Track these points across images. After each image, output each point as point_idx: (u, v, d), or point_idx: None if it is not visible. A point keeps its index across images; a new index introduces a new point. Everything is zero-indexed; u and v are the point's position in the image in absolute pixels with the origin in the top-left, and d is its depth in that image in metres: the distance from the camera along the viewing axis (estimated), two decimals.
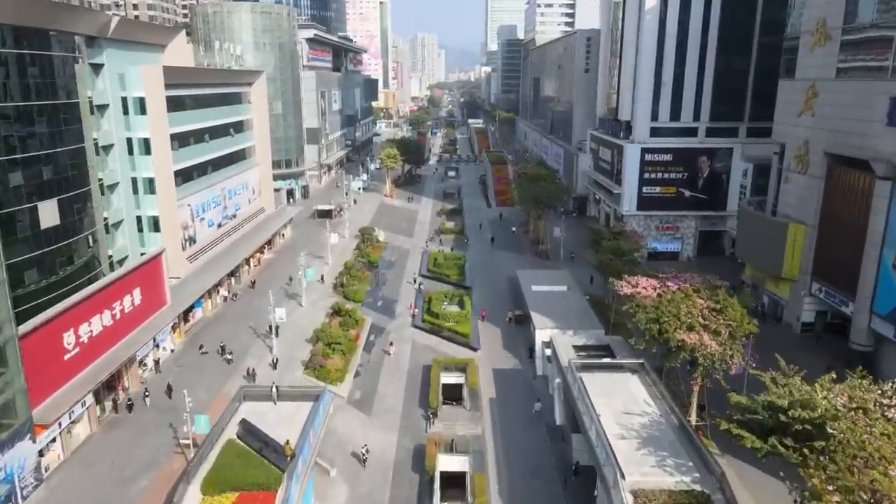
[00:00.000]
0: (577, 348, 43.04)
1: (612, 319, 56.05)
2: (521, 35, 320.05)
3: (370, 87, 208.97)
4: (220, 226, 67.04)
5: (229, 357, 49.36)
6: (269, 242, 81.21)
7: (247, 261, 71.98)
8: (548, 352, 48.18)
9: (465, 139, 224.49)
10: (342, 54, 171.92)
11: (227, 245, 66.83)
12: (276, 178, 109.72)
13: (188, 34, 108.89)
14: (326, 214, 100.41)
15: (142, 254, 52.58)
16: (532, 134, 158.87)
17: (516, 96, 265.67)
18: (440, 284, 70.90)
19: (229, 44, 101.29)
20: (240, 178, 73.53)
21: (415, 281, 72.58)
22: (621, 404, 34.20)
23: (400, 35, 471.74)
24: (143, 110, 51.53)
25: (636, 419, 32.62)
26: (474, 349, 53.92)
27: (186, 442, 36.58)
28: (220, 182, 67.23)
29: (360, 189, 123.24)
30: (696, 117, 77.16)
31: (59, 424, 36.39)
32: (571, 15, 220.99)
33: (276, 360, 48.85)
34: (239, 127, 74.18)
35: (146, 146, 52.30)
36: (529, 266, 77.56)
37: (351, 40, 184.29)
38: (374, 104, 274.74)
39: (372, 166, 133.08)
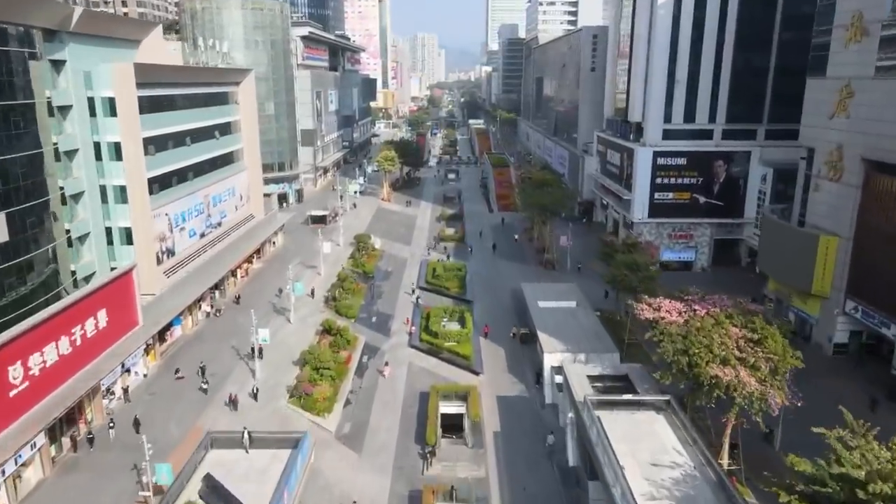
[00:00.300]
0: (592, 378, 38.39)
1: (627, 339, 51.46)
2: (522, 34, 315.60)
3: (368, 86, 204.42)
4: (202, 235, 62.39)
5: (204, 386, 44.66)
6: (259, 251, 76.62)
7: (233, 272, 67.38)
8: (558, 378, 43.57)
9: (465, 140, 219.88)
10: (339, 53, 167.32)
11: (211, 256, 62.19)
12: (268, 181, 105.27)
13: (176, 31, 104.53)
14: (320, 220, 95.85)
15: (112, 269, 47.95)
16: (534, 135, 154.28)
17: (518, 96, 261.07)
18: (439, 297, 66.32)
19: (217, 41, 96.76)
20: (226, 184, 68.92)
21: (412, 292, 68.12)
22: (647, 453, 29.60)
23: (400, 35, 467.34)
24: (112, 112, 46.90)
25: (666, 472, 28.03)
26: (476, 373, 49.28)
27: (147, 494, 31.93)
28: (203, 188, 62.60)
29: (356, 193, 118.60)
30: (712, 118, 72.50)
31: (3, 472, 31.80)
32: (574, 13, 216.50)
33: (257, 389, 44.15)
34: (225, 129, 69.58)
35: (116, 151, 47.66)
36: (534, 277, 72.94)
37: (348, 39, 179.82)
38: (372, 104, 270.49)
39: (369, 169, 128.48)
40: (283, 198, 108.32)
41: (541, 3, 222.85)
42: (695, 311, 36.47)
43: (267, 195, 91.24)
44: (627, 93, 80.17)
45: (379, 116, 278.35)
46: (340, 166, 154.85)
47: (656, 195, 73.88)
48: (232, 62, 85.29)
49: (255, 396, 43.62)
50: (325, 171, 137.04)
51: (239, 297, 62.98)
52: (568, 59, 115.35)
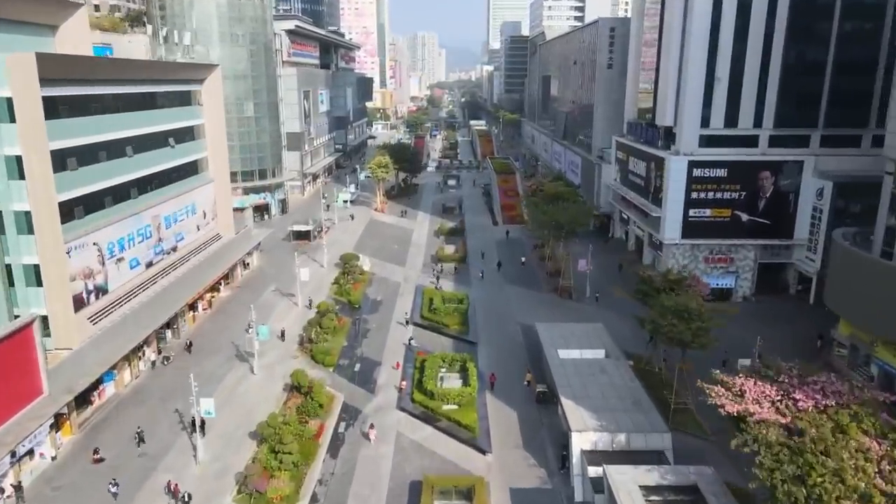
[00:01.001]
0: (648, 490, 27.59)
1: (673, 404, 40.72)
2: (525, 32, 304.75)
3: (364, 86, 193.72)
4: (149, 265, 51.58)
5: (112, 490, 33.71)
6: (228, 276, 65.88)
7: (192, 305, 56.69)
8: (592, 471, 32.86)
9: (466, 142, 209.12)
10: (332, 50, 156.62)
11: (161, 289, 51.39)
12: (247, 191, 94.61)
13: (145, 23, 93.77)
14: (303, 236, 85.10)
15: (16, 316, 37.19)
16: (541, 138, 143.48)
17: (521, 96, 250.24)
18: (437, 337, 55.57)
19: (188, 34, 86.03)
20: (183, 200, 58.13)
21: (406, 322, 57.69)
22: None
23: (399, 34, 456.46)
24: (10, 116, 36.16)
25: None
26: (483, 451, 38.47)
27: None
28: (152, 208, 51.83)
29: (346, 203, 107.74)
30: (758, 123, 61.68)
31: None
32: (581, 9, 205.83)
33: (188, 497, 33.12)
34: (184, 135, 58.81)
35: (17, 167, 36.89)
36: (548, 308, 62.22)
37: (342, 35, 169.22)
38: (369, 105, 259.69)
39: (362, 176, 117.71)
40: (264, 209, 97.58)
41: None
42: (794, 400, 25.68)
43: (239, 209, 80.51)
44: (655, 93, 69.40)
45: (376, 117, 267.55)
46: (332, 172, 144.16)
47: (691, 212, 63.08)
48: (196, 57, 74.47)
49: (185, 500, 32.70)
50: (315, 177, 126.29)
51: (190, 343, 51.84)
52: (580, 55, 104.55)
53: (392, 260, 79.08)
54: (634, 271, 61.59)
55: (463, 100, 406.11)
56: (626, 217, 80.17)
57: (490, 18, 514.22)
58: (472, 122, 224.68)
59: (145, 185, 51.21)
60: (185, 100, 59.86)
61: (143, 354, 47.71)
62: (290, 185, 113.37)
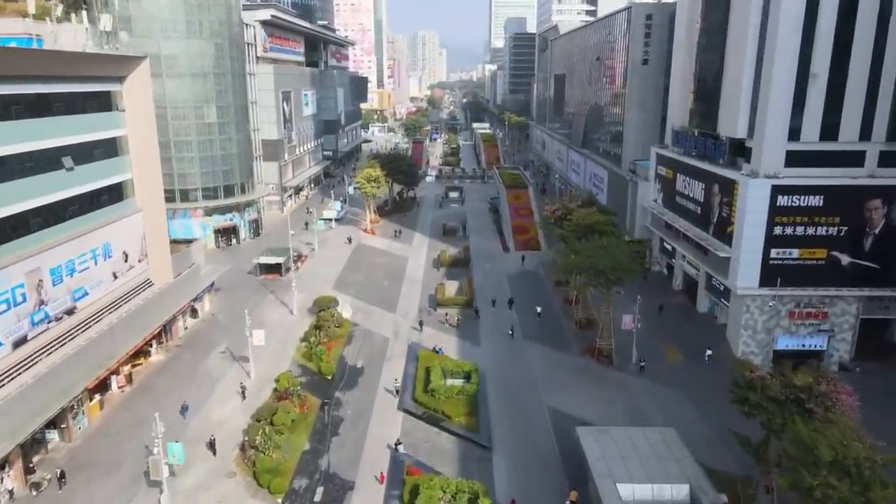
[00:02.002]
0: None
1: None
2: (531, 29, 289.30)
3: (358, 86, 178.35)
4: (20, 342, 36.05)
5: None
6: (162, 335, 50.42)
7: (102, 384, 41.27)
8: None
9: (468, 146, 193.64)
10: (320, 46, 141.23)
11: (43, 373, 35.88)
12: (209, 212, 79.12)
13: (85, 7, 78.11)
14: (273, 270, 69.61)
15: None
16: (554, 145, 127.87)
17: (526, 97, 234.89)
18: (435, 434, 40.09)
19: (132, 22, 70.69)
20: (89, 241, 42.64)
21: (397, 391, 42.49)
22: None
23: (398, 33, 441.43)
24: None
25: None
26: None
27: None
28: (24, 260, 36.32)
29: (330, 222, 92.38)
30: (866, 135, 46.24)
31: None
32: (594, 1, 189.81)
33: None
34: (91, 152, 43.34)
35: None
36: (582, 379, 46.87)
37: (333, 29, 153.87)
38: (364, 106, 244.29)
39: (350, 189, 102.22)
40: (231, 232, 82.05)
41: None
42: None
43: (182, 242, 64.98)
44: (716, 94, 53.84)
45: (373, 119, 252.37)
46: (320, 182, 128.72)
47: (773, 252, 47.58)
48: (120, 46, 58.62)
49: None
50: (298, 190, 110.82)
51: (62, 475, 35.29)
52: (605, 50, 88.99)
53: (380, 302, 63.43)
54: (679, 315, 45.64)
55: (464, 100, 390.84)
56: (669, 248, 64.60)
57: (492, 16, 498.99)
58: (476, 126, 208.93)
59: (17, 226, 35.74)
60: (96, 104, 44.38)
61: (1, 481, 32.27)
62: (267, 200, 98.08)
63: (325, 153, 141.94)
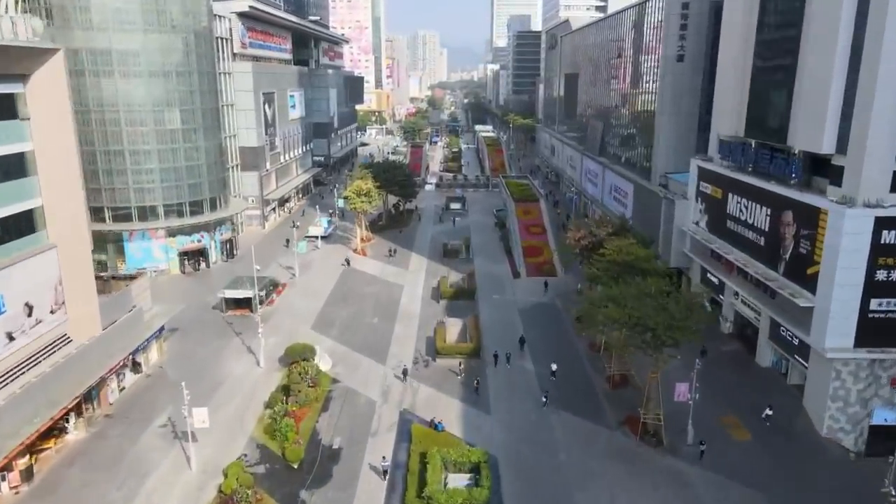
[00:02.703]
0: None
1: None
2: (535, 26, 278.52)
3: (354, 86, 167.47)
4: None
5: None
6: (83, 405, 39.51)
7: None
8: None
9: (471, 150, 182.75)
10: (311, 43, 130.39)
11: None
12: (173, 232, 68.32)
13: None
14: (242, 306, 58.71)
15: None
16: (565, 150, 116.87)
17: (530, 97, 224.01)
18: None
19: (81, 14, 59.97)
20: None
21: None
22: None
23: (398, 33, 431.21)
24: None
25: None
26: None
27: None
28: None
29: (317, 240, 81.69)
30: None
31: None
32: None
33: None
34: None
35: None
36: (623, 468, 35.92)
37: (326, 26, 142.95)
38: (362, 107, 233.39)
39: (339, 202, 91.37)
40: (199, 255, 71.21)
41: None
42: None
43: (124, 279, 54.18)
44: (783, 98, 42.91)
45: (371, 121, 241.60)
46: (309, 191, 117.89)
47: (875, 303, 36.65)
48: (35, 32, 47.36)
49: None
50: (283, 201, 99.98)
51: None
52: (629, 44, 77.99)
53: (367, 348, 52.44)
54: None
55: (466, 101, 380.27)
56: (716, 281, 53.62)
57: (494, 15, 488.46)
58: (478, 128, 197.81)
59: None
60: None
61: None
62: (247, 214, 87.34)
63: (316, 159, 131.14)
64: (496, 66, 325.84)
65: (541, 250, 74.41)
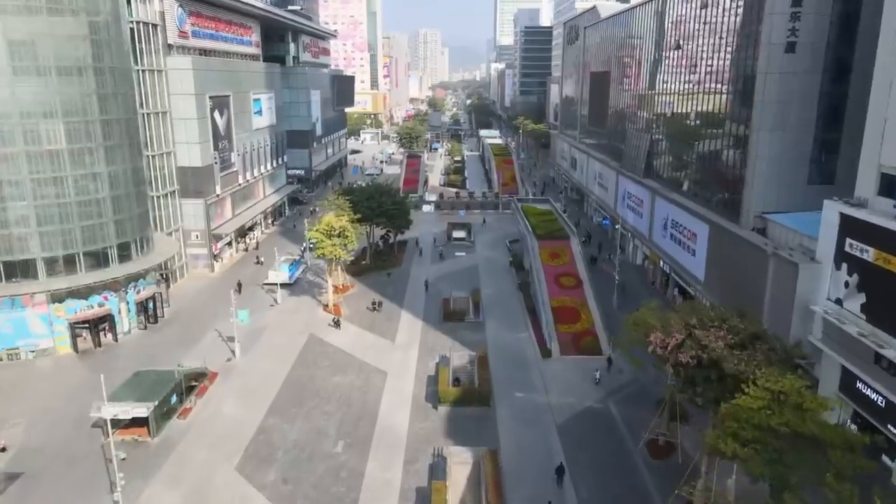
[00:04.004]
0: None
1: None
2: (544, 22, 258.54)
3: (343, 87, 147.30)
4: None
5: None
6: None
7: None
8: None
9: (475, 158, 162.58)
10: (287, 36, 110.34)
11: None
12: (61, 296, 48.21)
13: None
14: (138, 423, 38.54)
15: None
16: (591, 165, 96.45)
17: (539, 99, 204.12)
18: None
19: None
20: None
21: None
22: None
23: (397, 31, 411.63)
24: None
25: None
26: None
27: None
28: None
29: (275, 292, 61.82)
30: None
31: None
32: None
33: None
34: None
35: None
36: None
37: (309, 17, 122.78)
38: (357, 109, 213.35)
39: (305, 250, 71.30)
40: (103, 324, 51.14)
41: None
42: None
43: None
44: None
45: (366, 124, 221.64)
46: (282, 214, 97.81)
47: None
48: None
49: None
50: (244, 233, 79.86)
51: None
52: (696, 30, 57.60)
53: None
54: None
55: (468, 102, 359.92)
56: (877, 399, 33.35)
57: (498, 11, 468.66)
58: (484, 134, 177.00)
59: None
60: None
61: None
62: (191, 254, 67.39)
63: (295, 173, 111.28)
64: (501, 66, 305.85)
65: (576, 314, 54.17)
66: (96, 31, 47.49)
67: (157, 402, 37.85)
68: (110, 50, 49.06)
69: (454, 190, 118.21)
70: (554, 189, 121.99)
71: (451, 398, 42.01)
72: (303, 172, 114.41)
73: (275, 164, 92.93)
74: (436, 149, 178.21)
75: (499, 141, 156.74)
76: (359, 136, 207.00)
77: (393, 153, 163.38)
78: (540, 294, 56.90)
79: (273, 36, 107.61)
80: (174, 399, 39.88)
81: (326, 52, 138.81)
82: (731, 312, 31.55)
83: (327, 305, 59.44)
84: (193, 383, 43.81)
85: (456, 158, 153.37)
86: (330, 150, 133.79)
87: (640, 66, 75.07)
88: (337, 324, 55.46)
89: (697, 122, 57.72)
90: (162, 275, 58.88)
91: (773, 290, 41.09)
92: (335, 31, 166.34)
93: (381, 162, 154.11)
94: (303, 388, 44.80)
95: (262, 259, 74.37)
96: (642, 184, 69.51)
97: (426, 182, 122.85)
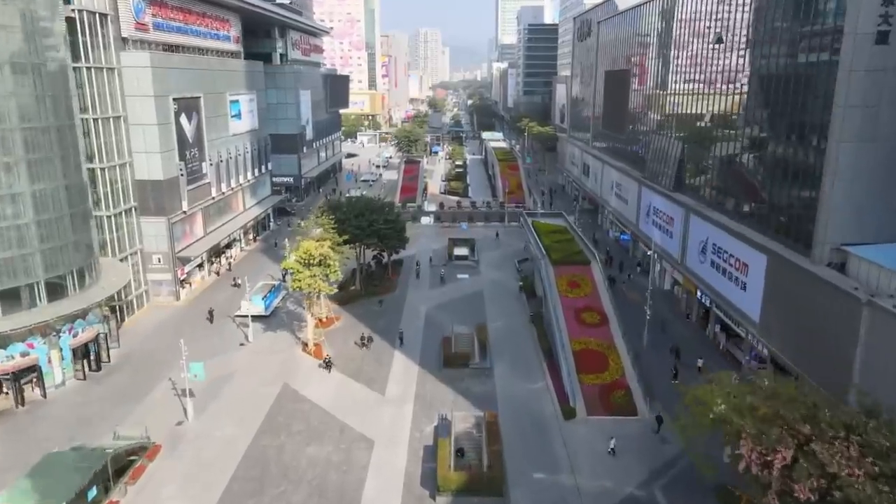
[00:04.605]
0: None
1: None
2: (548, 19, 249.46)
3: (337, 87, 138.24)
4: None
5: None
6: None
7: None
8: None
9: (478, 162, 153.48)
10: (273, 32, 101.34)
11: None
12: None
13: None
14: None
15: None
16: (608, 174, 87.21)
17: (544, 99, 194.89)
18: None
19: None
20: None
21: None
22: None
23: (397, 31, 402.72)
24: None
25: None
26: None
27: None
28: None
29: (247, 326, 52.80)
30: None
31: None
32: None
33: None
34: None
35: None
36: None
37: (299, 12, 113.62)
38: (353, 110, 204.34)
39: (281, 281, 62.26)
40: (29, 377, 42.09)
41: None
42: None
43: None
44: None
45: (364, 126, 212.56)
46: (267, 228, 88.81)
47: None
48: None
49: None
50: (219, 252, 70.89)
51: None
52: (746, 19, 48.34)
53: None
54: None
55: (470, 102, 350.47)
56: None
57: (500, 10, 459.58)
58: (486, 136, 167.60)
59: None
60: None
61: None
62: (153, 280, 58.48)
63: (283, 180, 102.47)
64: (503, 65, 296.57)
65: (603, 360, 45.04)
66: (13, 20, 38.41)
67: (67, 502, 28.77)
68: (34, 43, 39.99)
69: (455, 199, 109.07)
70: (563, 197, 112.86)
71: (454, 486, 32.86)
72: (291, 180, 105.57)
73: (257, 173, 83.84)
74: (436, 152, 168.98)
75: (503, 144, 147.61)
76: (356, 138, 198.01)
77: (391, 156, 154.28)
78: (558, 333, 47.73)
79: (258, 31, 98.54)
80: (94, 492, 30.79)
81: (319, 49, 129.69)
82: (856, 414, 22.01)
83: (307, 345, 50.36)
84: (132, 458, 34.84)
85: (457, 163, 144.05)
86: (322, 155, 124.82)
87: (668, 64, 65.90)
88: (328, 365, 46.63)
89: (747, 129, 48.47)
90: (112, 309, 49.85)
91: (867, 349, 31.90)
92: (331, 27, 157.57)
93: (378, 166, 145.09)
94: (267, 465, 35.68)
95: (240, 281, 65.50)
96: (672, 198, 60.33)
97: (425, 189, 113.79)
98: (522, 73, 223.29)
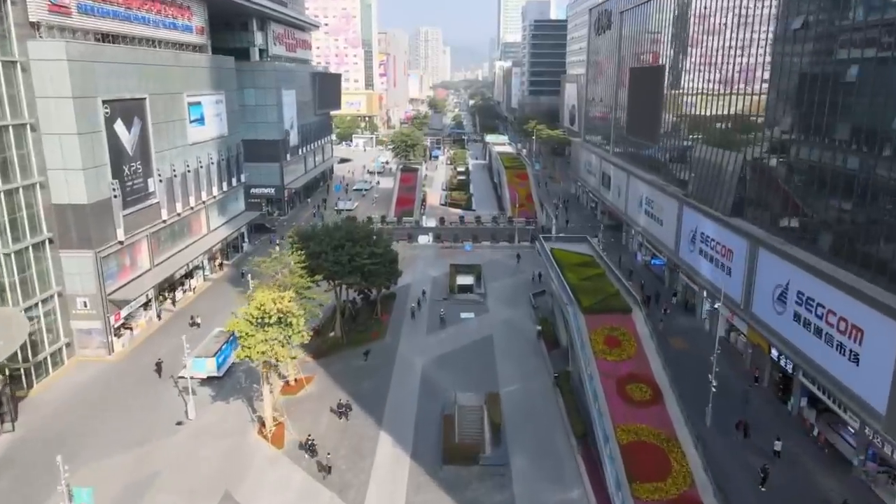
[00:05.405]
0: None
1: None
2: (553, 15, 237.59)
3: (327, 85, 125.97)
4: None
5: None
6: None
7: None
8: None
9: (481, 167, 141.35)
10: (251, 24, 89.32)
11: None
12: None
13: None
14: None
15: None
16: (636, 187, 74.93)
17: (552, 100, 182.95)
18: None
19: None
20: None
21: None
22: None
23: (395, 29, 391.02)
24: None
25: None
26: None
27: None
28: None
29: (189, 393, 40.53)
30: None
31: None
32: None
33: None
34: None
35: None
36: None
37: (283, 3, 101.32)
38: (350, 111, 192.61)
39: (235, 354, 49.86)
40: None
41: None
42: None
43: None
44: None
45: (360, 128, 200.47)
46: (240, 250, 76.71)
47: None
48: None
49: None
50: (173, 287, 58.76)
51: None
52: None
53: None
54: None
55: (471, 102, 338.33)
56: None
57: (502, 7, 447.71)
58: (491, 140, 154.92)
59: None
60: None
61: None
62: (78, 330, 46.37)
63: (263, 192, 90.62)
64: (507, 64, 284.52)
65: (662, 459, 32.79)
66: None
67: None
68: None
69: (457, 212, 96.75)
70: (579, 210, 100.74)
71: None
72: (273, 192, 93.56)
73: (226, 186, 71.68)
74: (436, 157, 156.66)
75: (509, 149, 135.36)
76: (351, 141, 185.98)
77: (387, 162, 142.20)
78: (598, 417, 35.48)
79: (233, 23, 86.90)
80: None
81: (307, 45, 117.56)
82: None
83: (264, 425, 38.21)
84: None
85: (459, 169, 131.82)
86: (311, 162, 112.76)
87: (723, 58, 53.59)
88: (311, 448, 34.71)
89: (855, 142, 36.13)
90: (8, 377, 37.78)
91: None
92: (325, 23, 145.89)
93: (372, 173, 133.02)
94: None
95: (199, 320, 53.69)
96: (731, 225, 48.13)
97: (424, 201, 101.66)
98: (528, 73, 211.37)
